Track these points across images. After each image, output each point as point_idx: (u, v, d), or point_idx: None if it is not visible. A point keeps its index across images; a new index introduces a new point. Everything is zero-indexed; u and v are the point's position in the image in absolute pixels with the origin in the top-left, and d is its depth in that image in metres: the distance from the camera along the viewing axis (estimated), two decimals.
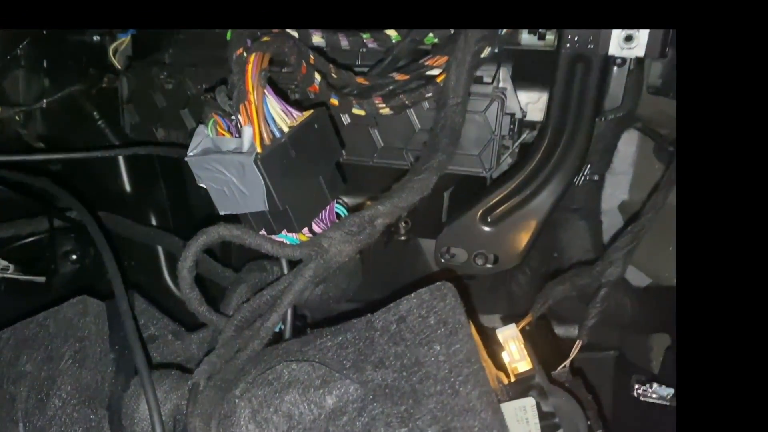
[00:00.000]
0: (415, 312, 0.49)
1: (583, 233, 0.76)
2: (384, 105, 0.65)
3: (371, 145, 0.71)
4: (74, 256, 0.93)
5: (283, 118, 0.55)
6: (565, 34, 0.64)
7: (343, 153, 0.65)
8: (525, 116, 0.71)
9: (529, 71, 0.70)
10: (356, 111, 0.65)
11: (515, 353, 0.54)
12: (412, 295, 0.50)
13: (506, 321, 0.59)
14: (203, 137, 0.56)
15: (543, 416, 0.50)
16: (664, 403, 0.66)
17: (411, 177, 0.58)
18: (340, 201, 0.63)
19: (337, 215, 0.62)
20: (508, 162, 0.73)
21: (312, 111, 0.57)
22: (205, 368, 0.53)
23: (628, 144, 0.82)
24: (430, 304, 0.49)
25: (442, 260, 0.72)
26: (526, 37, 0.70)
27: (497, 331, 0.56)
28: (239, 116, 0.54)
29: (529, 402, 0.49)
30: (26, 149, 0.87)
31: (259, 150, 0.52)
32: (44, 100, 0.85)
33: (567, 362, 0.59)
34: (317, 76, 0.62)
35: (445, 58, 0.63)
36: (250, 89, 0.53)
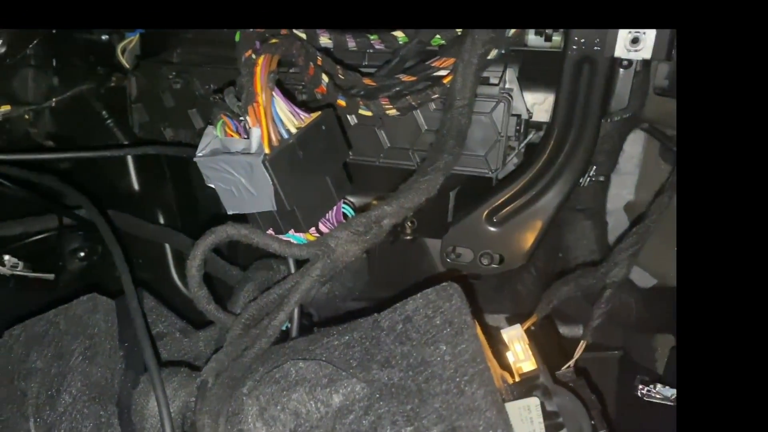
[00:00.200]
0: (421, 312, 0.50)
1: (589, 233, 0.76)
2: (391, 106, 0.66)
3: (377, 145, 0.71)
4: (82, 254, 0.94)
5: (290, 119, 0.56)
6: (571, 35, 0.64)
7: (350, 153, 0.65)
8: (531, 117, 0.71)
9: (535, 72, 0.70)
10: (363, 112, 0.66)
11: (520, 353, 0.55)
12: (419, 295, 0.51)
13: (511, 321, 0.60)
14: (212, 138, 0.56)
15: (547, 416, 0.50)
16: (668, 403, 0.67)
17: (417, 178, 0.58)
18: (347, 201, 0.63)
19: (344, 215, 0.62)
20: (513, 162, 0.73)
21: (319, 112, 0.57)
22: (214, 366, 0.54)
23: (634, 145, 0.83)
24: (436, 304, 0.49)
25: (448, 260, 0.73)
26: (533, 39, 0.70)
27: (502, 331, 0.56)
28: (248, 117, 0.54)
29: (533, 402, 0.49)
30: (35, 147, 0.88)
31: (267, 151, 0.53)
32: (53, 99, 0.86)
33: (571, 362, 0.60)
34: (324, 78, 0.63)
35: (452, 60, 0.63)
36: (259, 91, 0.53)
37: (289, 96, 0.57)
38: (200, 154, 0.56)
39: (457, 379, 0.46)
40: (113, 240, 0.60)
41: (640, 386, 0.66)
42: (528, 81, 0.70)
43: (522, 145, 0.71)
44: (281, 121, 0.55)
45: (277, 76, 0.54)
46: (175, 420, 0.53)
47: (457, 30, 0.65)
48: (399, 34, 0.67)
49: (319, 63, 0.62)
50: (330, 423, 0.48)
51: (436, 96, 0.65)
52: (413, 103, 0.65)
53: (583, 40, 0.64)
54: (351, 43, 0.67)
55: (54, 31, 0.86)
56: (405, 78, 0.66)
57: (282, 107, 0.55)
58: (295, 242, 0.57)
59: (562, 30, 0.68)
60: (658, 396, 0.67)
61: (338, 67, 0.64)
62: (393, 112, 0.66)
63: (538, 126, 0.73)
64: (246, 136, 0.55)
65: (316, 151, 0.57)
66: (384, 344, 0.49)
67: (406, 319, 0.50)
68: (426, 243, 0.87)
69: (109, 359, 0.58)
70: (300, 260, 0.59)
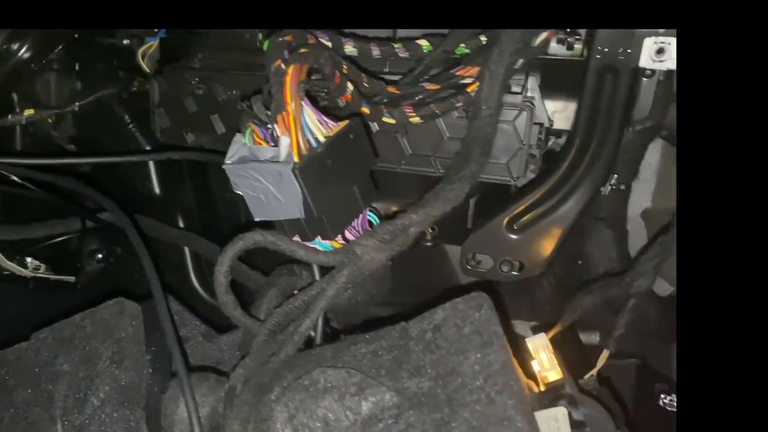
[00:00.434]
0: (450, 321, 0.50)
1: (608, 242, 0.76)
2: (414, 114, 0.66)
3: (399, 152, 0.72)
4: (100, 255, 0.95)
5: (319, 128, 0.56)
6: (595, 45, 0.64)
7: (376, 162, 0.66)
8: (552, 125, 0.71)
9: (556, 80, 0.70)
10: (386, 119, 0.66)
11: (545, 362, 0.55)
12: (447, 304, 0.51)
13: (535, 329, 0.60)
14: (240, 145, 0.57)
15: (574, 425, 0.51)
16: None
17: (443, 186, 0.59)
18: (372, 208, 0.64)
19: (369, 222, 0.63)
20: (531, 169, 0.73)
21: (347, 121, 0.58)
22: (241, 372, 0.54)
23: (653, 152, 0.83)
24: (465, 313, 0.50)
25: (468, 266, 0.73)
26: (554, 47, 0.70)
27: (527, 340, 0.57)
28: (276, 126, 0.55)
29: (561, 411, 0.50)
30: (57, 150, 0.89)
31: (296, 159, 0.54)
32: (76, 103, 0.87)
33: (594, 371, 0.60)
34: (350, 86, 0.63)
35: (476, 69, 0.64)
36: (289, 100, 0.54)
37: (312, 102, 0.58)
38: (229, 162, 0.56)
39: (487, 389, 0.46)
40: (141, 244, 0.61)
41: (662, 395, 0.66)
42: (549, 89, 0.70)
43: (542, 152, 0.72)
44: (310, 130, 0.55)
45: (306, 85, 0.55)
46: (203, 426, 0.53)
47: (482, 38, 0.65)
48: (423, 42, 0.67)
49: (345, 71, 0.63)
50: (359, 431, 0.49)
51: (460, 104, 0.65)
52: (437, 111, 0.66)
53: (606, 50, 0.64)
54: (375, 51, 0.67)
55: (76, 36, 0.87)
56: (429, 86, 0.67)
57: (311, 116, 0.55)
58: (321, 249, 0.58)
59: (583, 38, 0.68)
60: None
61: (363, 75, 0.65)
62: (416, 119, 0.66)
63: (558, 134, 0.73)
64: (274, 144, 0.56)
65: (344, 159, 0.57)
66: (413, 353, 0.50)
67: (435, 328, 0.50)
68: (446, 249, 0.87)
69: (136, 363, 0.59)
70: (324, 267, 0.59)
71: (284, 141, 0.54)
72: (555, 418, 0.49)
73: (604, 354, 0.60)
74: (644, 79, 0.67)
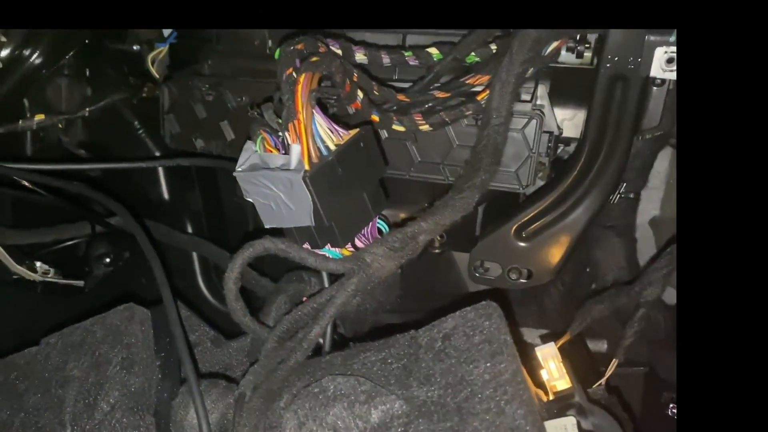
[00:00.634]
0: (459, 330, 0.50)
1: (618, 250, 0.76)
2: (423, 121, 0.66)
3: (408, 159, 0.72)
4: (107, 260, 0.95)
5: (330, 136, 0.56)
6: (604, 54, 0.64)
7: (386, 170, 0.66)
8: (561, 133, 0.71)
9: (565, 88, 0.70)
10: (396, 127, 0.66)
11: (554, 371, 0.55)
12: (457, 313, 0.51)
13: (543, 337, 0.60)
14: (251, 153, 0.57)
15: None
16: None
17: (453, 195, 0.59)
18: (382, 216, 0.64)
19: (379, 230, 0.63)
20: (540, 177, 0.73)
21: (358, 129, 0.58)
22: (251, 379, 0.55)
23: (661, 160, 0.82)
24: (474, 322, 0.50)
25: (476, 274, 0.73)
26: (564, 55, 0.70)
27: (536, 349, 0.57)
28: (287, 134, 0.55)
29: (570, 421, 0.50)
30: (67, 156, 0.89)
31: (307, 167, 0.54)
32: (86, 109, 0.87)
33: (603, 380, 0.60)
34: (360, 94, 0.63)
35: (486, 77, 0.64)
36: (300, 109, 0.54)
37: (322, 110, 0.58)
38: (240, 169, 0.56)
39: (497, 399, 0.46)
40: (152, 250, 0.61)
41: (671, 405, 0.66)
42: (558, 97, 0.70)
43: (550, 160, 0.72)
44: (321, 138, 0.55)
45: (317, 94, 0.55)
46: None
47: (492, 47, 0.66)
48: (433, 50, 0.67)
49: (355, 79, 0.63)
50: None
51: (470, 113, 0.65)
52: (446, 119, 0.66)
53: (616, 59, 0.64)
54: (386, 59, 0.68)
55: (87, 42, 0.87)
56: (438, 94, 0.67)
57: (322, 124, 0.56)
58: (331, 257, 0.58)
59: (593, 47, 0.68)
60: None
61: (373, 83, 0.65)
62: (426, 127, 0.66)
63: (567, 142, 0.73)
64: (284, 152, 0.56)
65: (355, 167, 0.57)
66: (423, 361, 0.50)
67: (444, 336, 0.50)
68: (454, 256, 0.87)
69: (146, 369, 0.59)
70: (334, 274, 0.59)
71: (295, 149, 0.54)
72: (564, 428, 0.49)
73: (613, 363, 0.60)
74: (654, 88, 0.68)
